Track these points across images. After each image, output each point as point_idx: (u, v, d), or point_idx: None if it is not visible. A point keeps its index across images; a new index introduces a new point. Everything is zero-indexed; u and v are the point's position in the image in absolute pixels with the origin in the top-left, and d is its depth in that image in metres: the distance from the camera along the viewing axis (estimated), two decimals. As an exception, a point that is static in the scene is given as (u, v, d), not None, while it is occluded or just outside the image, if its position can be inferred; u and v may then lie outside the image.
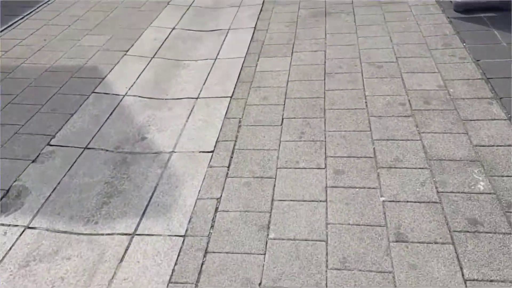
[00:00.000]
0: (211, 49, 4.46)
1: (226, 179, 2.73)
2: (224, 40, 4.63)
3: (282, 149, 2.94)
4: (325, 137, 3.00)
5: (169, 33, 4.83)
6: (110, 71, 4.09)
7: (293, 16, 4.98)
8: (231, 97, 3.60)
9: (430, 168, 2.65)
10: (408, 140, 2.89)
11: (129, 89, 3.81)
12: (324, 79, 3.70)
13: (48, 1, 5.73)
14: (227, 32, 4.79)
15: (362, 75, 3.69)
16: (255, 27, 4.80)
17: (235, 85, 3.77)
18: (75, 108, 3.56)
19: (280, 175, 2.70)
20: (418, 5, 4.89)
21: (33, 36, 4.86)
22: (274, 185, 2.63)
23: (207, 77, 3.95)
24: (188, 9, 5.43)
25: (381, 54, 3.98)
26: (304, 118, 3.24)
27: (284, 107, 3.39)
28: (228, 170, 2.80)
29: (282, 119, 3.26)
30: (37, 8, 5.54)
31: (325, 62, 3.96)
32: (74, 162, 2.97)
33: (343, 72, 3.77)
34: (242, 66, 4.06)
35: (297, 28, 4.69)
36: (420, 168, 2.65)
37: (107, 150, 3.08)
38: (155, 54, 4.39)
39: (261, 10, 5.23)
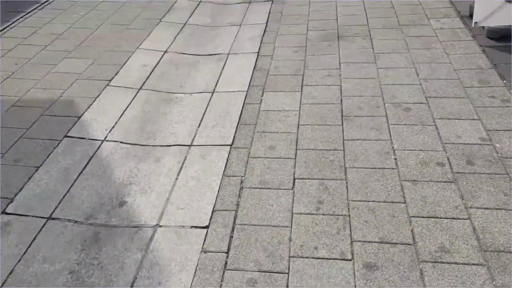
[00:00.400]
0: (208, 79, 3.85)
1: (224, 272, 2.12)
2: (223, 68, 4.02)
3: (295, 226, 2.34)
4: (349, 210, 2.41)
5: (161, 57, 4.22)
6: (89, 107, 3.47)
7: (301, 39, 4.39)
8: (231, 145, 3.00)
9: (486, 264, 2.06)
10: (454, 218, 2.30)
11: (109, 131, 3.20)
12: (342, 124, 3.11)
13: (25, 15, 5.10)
14: (227, 57, 4.19)
15: (387, 120, 3.10)
16: (258, 52, 4.20)
17: (236, 128, 3.17)
18: (42, 159, 2.94)
19: (295, 269, 2.10)
20: (444, 29, 4.30)
21: (4, 59, 4.24)
22: (287, 286, 2.03)
23: (203, 116, 3.35)
24: (183, 27, 4.83)
25: (407, 92, 3.39)
26: (321, 179, 2.64)
27: (295, 162, 2.79)
28: (227, 257, 2.20)
29: (294, 179, 2.66)
30: (12, 23, 4.91)
31: (341, 101, 3.37)
32: (34, 240, 2.36)
33: (364, 115, 3.18)
34: (244, 102, 3.46)
35: (306, 54, 4.09)
36: (474, 264, 2.06)
37: (75, 221, 2.46)
38: (143, 85, 3.78)
39: (264, 30, 4.64)
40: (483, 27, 4.05)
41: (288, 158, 2.84)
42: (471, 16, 4.38)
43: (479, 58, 3.76)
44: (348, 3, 5.06)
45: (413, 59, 3.84)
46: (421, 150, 2.80)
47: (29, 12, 5.14)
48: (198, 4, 5.39)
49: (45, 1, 5.37)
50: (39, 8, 5.24)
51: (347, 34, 4.38)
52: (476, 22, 3.96)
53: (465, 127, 2.97)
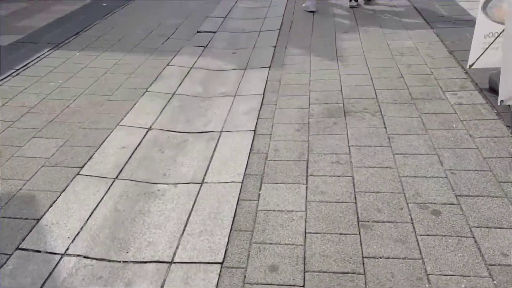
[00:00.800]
0: (196, 165, 3.31)
1: None
2: (214, 150, 3.49)
3: None
4: None
5: (144, 136, 3.69)
6: (52, 204, 2.89)
7: (303, 114, 3.90)
8: (222, 263, 2.41)
9: None
10: None
11: (72, 241, 2.60)
12: (359, 233, 2.54)
13: (-4, 83, 4.61)
14: (219, 136, 3.67)
15: (414, 229, 2.54)
16: (255, 130, 3.70)
17: (229, 237, 2.59)
18: (-18, 284, 2.32)
19: None
20: (463, 105, 3.84)
21: (-37, 137, 3.69)
22: None
23: (189, 218, 2.77)
24: (171, 98, 4.34)
25: (432, 189, 2.85)
26: (338, 321, 2.03)
27: (303, 291, 2.19)
28: None
29: (303, 320, 2.05)
30: (-20, 94, 4.41)
31: (355, 198, 2.82)
32: None
33: (384, 221, 2.62)
34: (238, 198, 2.90)
35: (310, 133, 3.59)
36: None
37: None
38: (120, 173, 3.22)
39: (262, 103, 4.16)
40: (509, 106, 3.59)
41: (294, 285, 2.24)
42: (491, 89, 3.97)
43: (510, 143, 3.26)
44: (352, 72, 4.65)
45: (434, 143, 3.34)
46: (461, 275, 2.22)
47: (1, 80, 4.65)
48: (189, 71, 4.95)
49: (21, 67, 4.91)
50: (13, 75, 4.76)
51: (355, 109, 3.90)
52: (502, 100, 3.50)
53: (510, 239, 2.41)
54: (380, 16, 6.46)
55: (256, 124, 3.79)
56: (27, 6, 7.29)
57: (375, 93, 4.15)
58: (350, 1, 6.93)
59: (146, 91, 4.45)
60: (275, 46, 5.54)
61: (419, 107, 3.86)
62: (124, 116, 3.97)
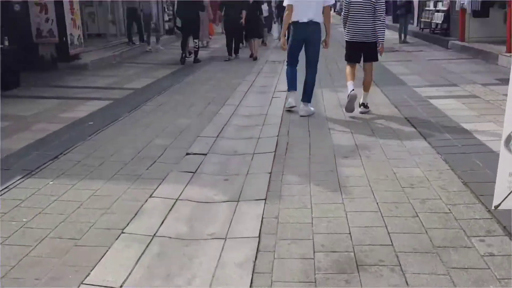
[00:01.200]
0: None
1: None
2: (198, 322, 2.77)
3: None
4: None
5: (111, 301, 2.98)
6: None
7: (307, 266, 3.26)
8: None
9: None
10: None
11: None
12: None
13: (-52, 222, 3.96)
14: (205, 301, 2.97)
15: None
16: (250, 292, 3.02)
17: None
18: None
19: None
20: (494, 256, 3.25)
21: None
22: None
23: None
24: (150, 242, 3.69)
25: None
26: None
27: None
28: None
29: None
30: None
31: None
32: None
33: None
34: None
35: (317, 297, 2.91)
36: None
37: None
38: None
39: (257, 249, 3.53)
40: (555, 261, 3.00)
41: None
42: (523, 235, 3.39)
43: None
44: (360, 207, 4.11)
45: (473, 315, 2.67)
46: None
47: (-44, 218, 4.03)
48: (174, 204, 4.39)
49: (-18, 202, 4.31)
50: (-28, 212, 4.15)
51: (369, 262, 3.27)
52: (547, 258, 2.92)
53: None
54: (378, 133, 6.22)
55: (252, 282, 3.12)
56: (8, 125, 6.93)
57: (390, 238, 3.56)
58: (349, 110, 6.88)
59: (122, 232, 3.82)
60: (270, 173, 5.07)
61: (444, 259, 3.25)
62: (91, 270, 3.28)
